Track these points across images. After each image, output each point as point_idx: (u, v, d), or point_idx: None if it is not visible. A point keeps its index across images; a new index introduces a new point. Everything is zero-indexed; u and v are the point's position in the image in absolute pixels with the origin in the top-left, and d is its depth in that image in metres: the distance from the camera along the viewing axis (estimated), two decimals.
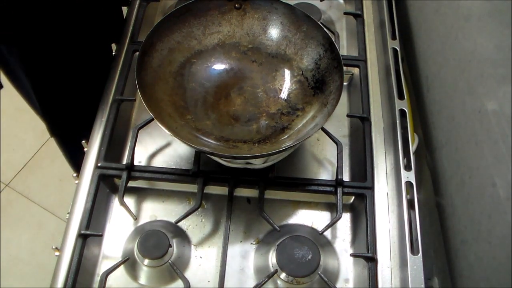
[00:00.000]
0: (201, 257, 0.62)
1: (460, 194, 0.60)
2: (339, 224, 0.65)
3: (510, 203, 0.48)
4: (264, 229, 0.64)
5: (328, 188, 0.64)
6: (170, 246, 0.59)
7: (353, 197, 0.67)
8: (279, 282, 0.59)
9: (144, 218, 0.65)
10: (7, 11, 0.67)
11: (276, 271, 0.58)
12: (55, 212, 1.47)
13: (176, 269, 0.58)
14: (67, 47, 0.78)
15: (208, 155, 0.64)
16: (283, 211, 0.67)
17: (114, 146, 0.68)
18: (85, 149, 0.67)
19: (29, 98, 0.87)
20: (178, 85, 0.66)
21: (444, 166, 0.65)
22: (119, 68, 0.74)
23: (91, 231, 0.59)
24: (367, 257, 0.59)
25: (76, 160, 0.94)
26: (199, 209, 0.62)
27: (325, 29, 0.66)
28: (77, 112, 0.82)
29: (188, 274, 0.60)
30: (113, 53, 0.77)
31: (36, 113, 0.92)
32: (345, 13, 0.84)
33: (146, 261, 0.59)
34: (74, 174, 0.67)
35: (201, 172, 0.64)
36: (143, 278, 0.60)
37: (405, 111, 0.69)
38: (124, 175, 0.63)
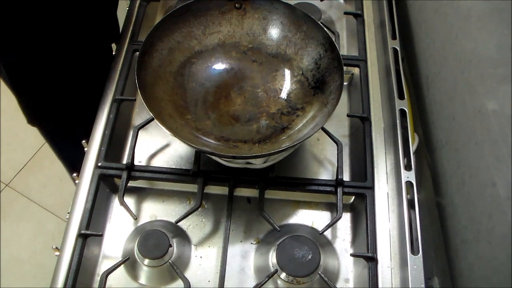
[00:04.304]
0: (201, 257, 0.62)
1: (460, 194, 0.60)
2: (339, 224, 0.65)
3: (510, 202, 0.48)
4: (264, 229, 0.64)
5: (328, 188, 0.64)
6: (170, 246, 0.59)
7: (353, 197, 0.67)
8: (279, 282, 0.59)
9: (144, 218, 0.65)
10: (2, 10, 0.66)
11: (276, 271, 0.58)
12: (55, 212, 1.47)
13: (176, 269, 0.58)
14: (67, 47, 0.78)
15: (208, 155, 0.64)
16: (283, 211, 0.67)
17: (114, 146, 0.68)
18: (85, 149, 0.67)
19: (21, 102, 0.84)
20: (178, 85, 0.66)
21: (444, 166, 0.65)
22: (119, 68, 0.74)
23: (91, 231, 0.59)
24: (367, 257, 0.59)
25: (72, 162, 0.94)
26: (199, 209, 0.63)
27: (325, 29, 0.66)
28: (78, 112, 0.82)
29: (188, 274, 0.60)
30: (113, 53, 0.77)
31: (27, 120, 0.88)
32: (345, 13, 0.84)
33: (146, 261, 0.59)
34: (74, 174, 0.67)
35: (201, 172, 0.64)
36: (143, 278, 0.60)
37: (405, 111, 0.69)
38: (124, 175, 0.63)
